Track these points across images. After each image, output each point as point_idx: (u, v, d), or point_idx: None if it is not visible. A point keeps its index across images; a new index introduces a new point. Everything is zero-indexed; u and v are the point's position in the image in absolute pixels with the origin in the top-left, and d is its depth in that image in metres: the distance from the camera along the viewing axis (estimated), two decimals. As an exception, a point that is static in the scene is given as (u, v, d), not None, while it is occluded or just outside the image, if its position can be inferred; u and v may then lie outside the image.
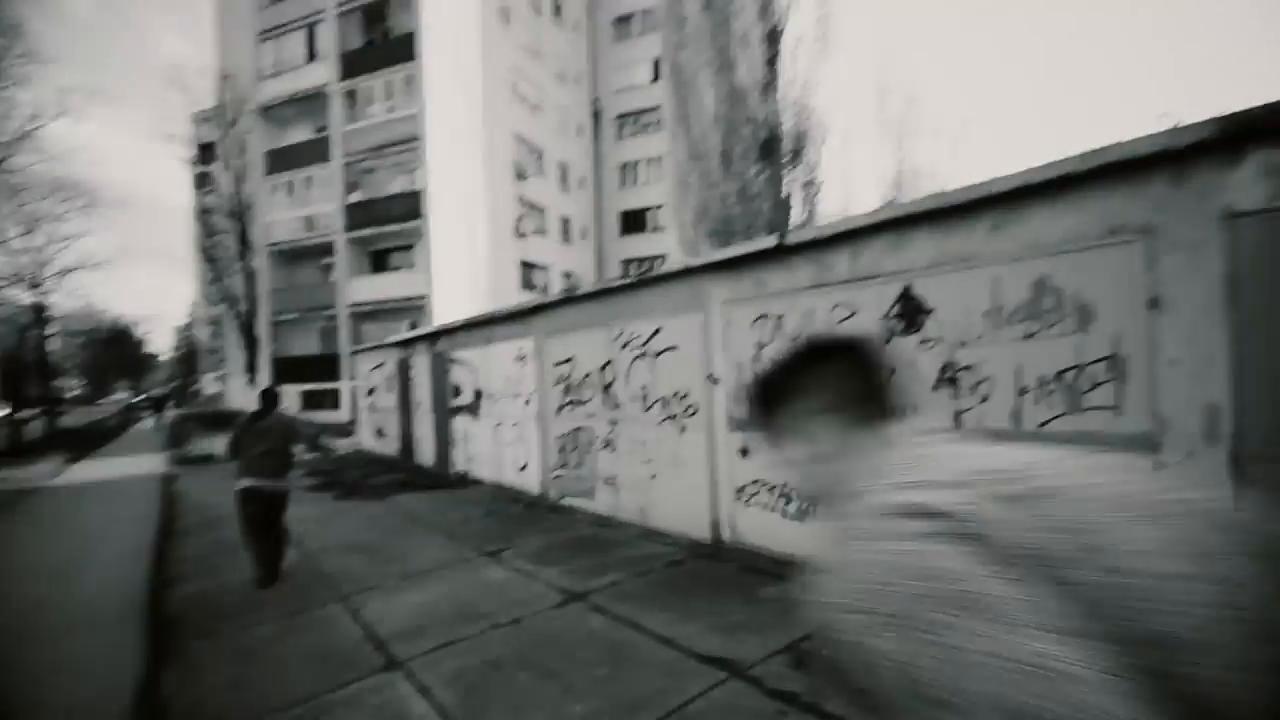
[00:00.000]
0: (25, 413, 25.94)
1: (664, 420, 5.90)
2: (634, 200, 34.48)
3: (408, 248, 24.23)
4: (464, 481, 9.72)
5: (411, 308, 22.94)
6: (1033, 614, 0.49)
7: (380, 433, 14.11)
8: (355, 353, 17.47)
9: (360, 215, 23.65)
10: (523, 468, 8.45)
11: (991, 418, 3.50)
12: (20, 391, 26.11)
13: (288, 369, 25.02)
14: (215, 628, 4.41)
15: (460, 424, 10.09)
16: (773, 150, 13.39)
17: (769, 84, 13.37)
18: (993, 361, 3.49)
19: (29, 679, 3.88)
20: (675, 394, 5.79)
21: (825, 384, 0.83)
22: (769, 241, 4.78)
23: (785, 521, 4.86)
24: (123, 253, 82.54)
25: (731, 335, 5.26)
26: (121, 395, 70.87)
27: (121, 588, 5.60)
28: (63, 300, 25.27)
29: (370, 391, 14.76)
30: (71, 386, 65.82)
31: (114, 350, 64.68)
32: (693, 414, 5.61)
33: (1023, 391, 3.37)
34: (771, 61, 13.57)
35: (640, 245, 33.94)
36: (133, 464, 16.34)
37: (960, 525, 0.56)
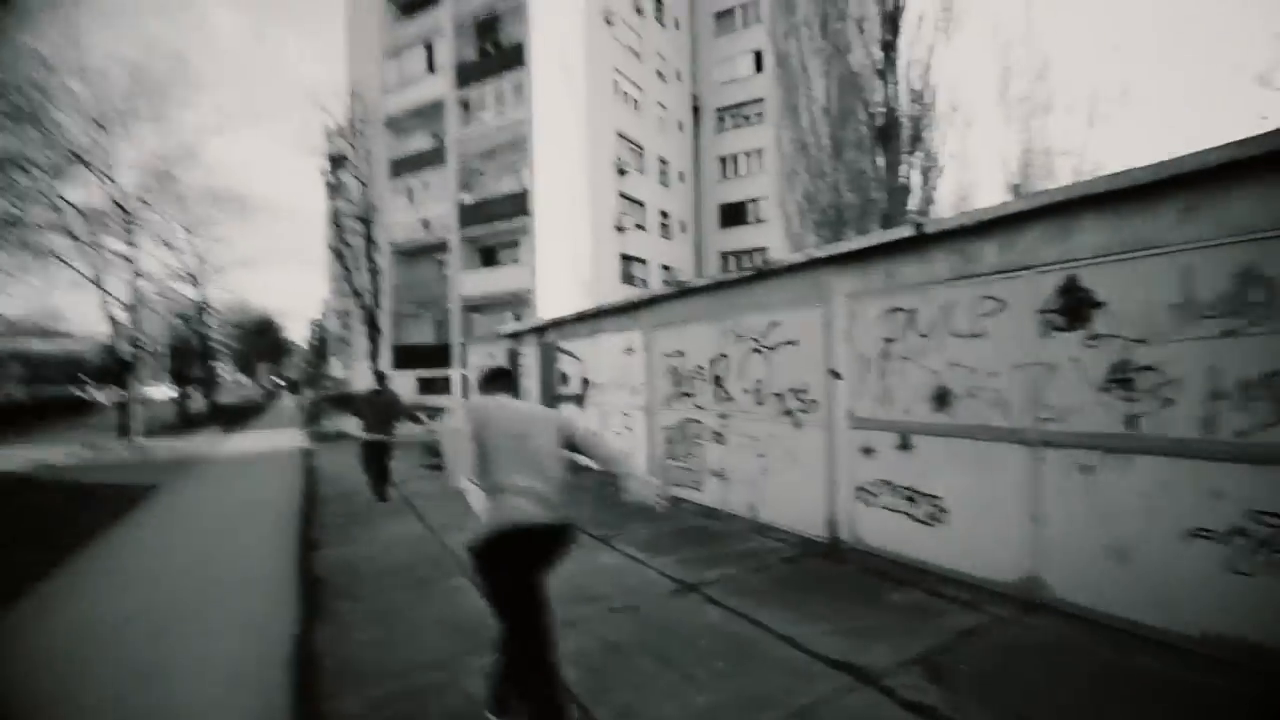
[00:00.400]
0: (190, 391, 29.58)
1: (779, 415, 5.76)
2: (734, 193, 34.07)
3: (514, 244, 25.30)
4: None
5: (517, 300, 23.94)
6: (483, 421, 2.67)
7: (490, 419, 14.80)
8: (465, 344, 18.45)
9: (471, 214, 24.94)
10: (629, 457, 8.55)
11: (1176, 425, 3.10)
12: (186, 374, 29.79)
13: (405, 357, 26.90)
14: (356, 590, 4.80)
15: (566, 411, 10.39)
16: (890, 136, 12.68)
17: (886, 67, 12.66)
18: (1180, 362, 3.08)
19: (204, 631, 4.38)
20: (792, 389, 5.63)
21: (493, 379, 3.09)
22: (904, 231, 4.51)
23: (913, 525, 4.59)
24: (268, 253, 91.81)
25: (856, 330, 5.03)
26: (265, 378, 79.16)
27: (276, 549, 6.22)
28: (219, 294, 28.49)
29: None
30: (225, 370, 74.31)
31: (259, 338, 72.30)
32: (811, 410, 5.43)
33: (1218, 396, 2.95)
34: (889, 45, 12.84)
35: (740, 238, 33.45)
36: (276, 437, 18.22)
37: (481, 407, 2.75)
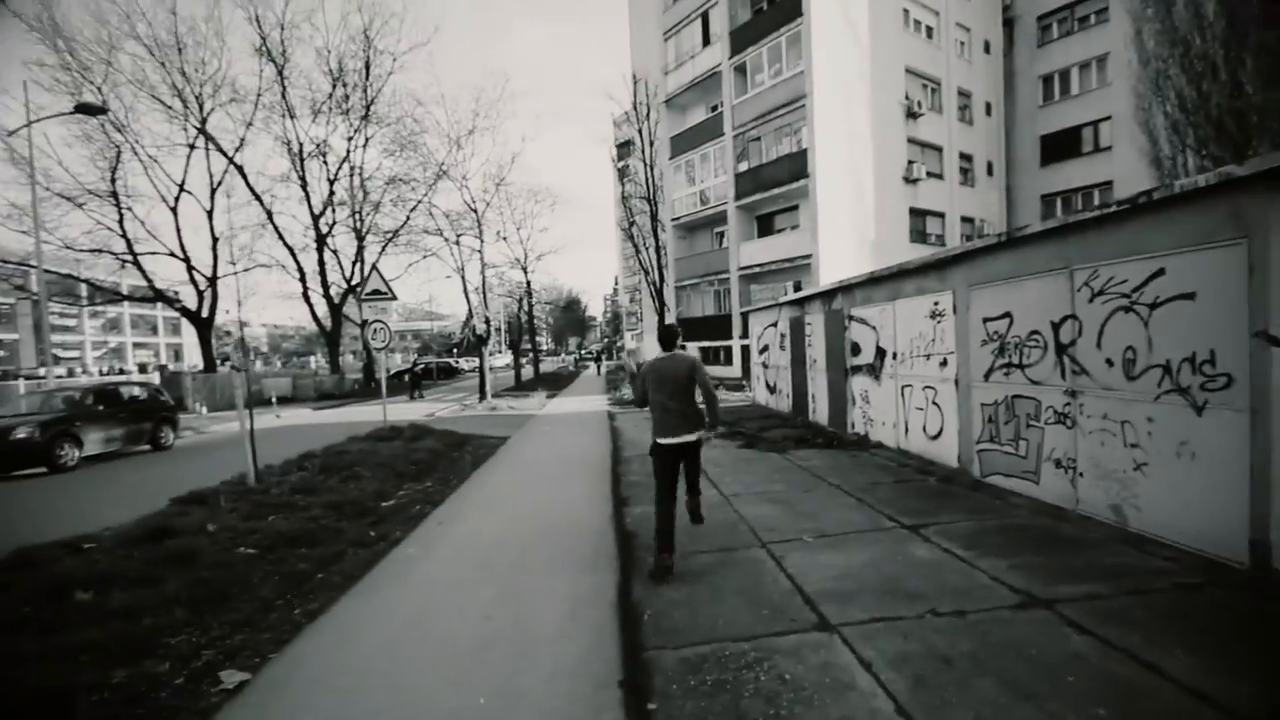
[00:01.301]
0: (521, 361, 35.92)
1: (1166, 394, 4.38)
2: (1061, 119, 27.74)
3: (793, 208, 24.56)
4: (863, 443, 9.33)
5: (796, 267, 23.29)
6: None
7: (772, 388, 14.73)
8: (746, 313, 18.59)
9: (748, 183, 24.89)
10: (935, 435, 7.58)
11: None
12: (518, 345, 36.24)
13: (689, 328, 28.43)
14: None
15: (859, 383, 9.67)
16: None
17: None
18: None
19: (550, 565, 5.07)
20: (1188, 359, 4.21)
21: (666, 340, 4.68)
22: None
23: None
24: (572, 237, 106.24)
25: (1316, 273, 3.48)
26: (572, 349, 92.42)
27: (597, 499, 7.02)
28: (539, 278, 33.82)
29: (763, 349, 15.50)
30: (544, 343, 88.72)
31: (568, 314, 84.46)
32: (1222, 387, 3.99)
33: None
34: None
35: (1070, 175, 27.26)
36: (585, 401, 20.95)
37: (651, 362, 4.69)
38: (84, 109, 14.78)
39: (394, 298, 11.67)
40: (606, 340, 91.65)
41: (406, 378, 28.25)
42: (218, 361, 32.07)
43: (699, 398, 4.51)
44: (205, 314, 29.80)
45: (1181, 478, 4.32)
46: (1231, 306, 3.91)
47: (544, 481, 8.24)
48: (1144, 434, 4.59)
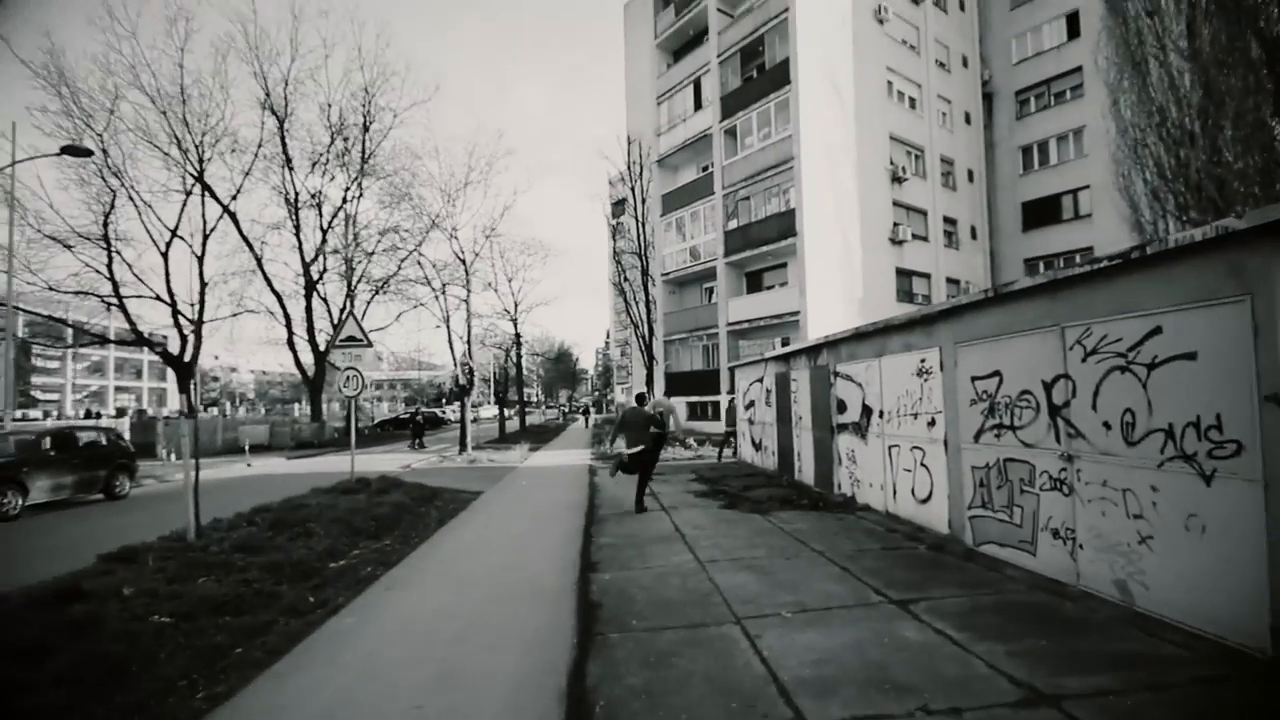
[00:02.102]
0: (507, 412, 35.33)
1: (1169, 460, 4.05)
2: (1041, 187, 28.57)
3: (781, 266, 24.77)
4: (849, 505, 8.89)
5: (784, 324, 23.24)
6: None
7: (758, 445, 14.32)
8: (734, 367, 18.35)
9: (737, 240, 25.17)
10: (925, 499, 7.18)
11: None
12: (504, 396, 35.73)
13: (676, 383, 28.15)
14: (627, 622, 4.60)
15: (845, 442, 9.31)
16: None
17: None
18: None
19: (494, 642, 4.57)
20: (1192, 423, 3.91)
21: (638, 398, 9.90)
22: None
23: None
24: (565, 290, 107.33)
25: (1325, 332, 3.24)
26: (562, 402, 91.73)
27: (562, 564, 6.51)
28: (528, 329, 33.72)
29: (749, 405, 15.17)
30: (532, 394, 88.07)
31: (559, 366, 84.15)
32: (1231, 455, 3.68)
33: None
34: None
35: (1052, 240, 27.83)
36: (568, 455, 20.37)
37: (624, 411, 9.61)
38: (70, 151, 14.78)
39: (369, 344, 11.34)
40: (597, 393, 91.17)
41: (410, 427, 27.57)
42: (198, 408, 31.35)
43: (652, 431, 9.29)
44: (188, 359, 29.37)
45: (1191, 553, 3.95)
46: (1236, 367, 3.64)
47: (510, 541, 7.71)
48: (1148, 504, 4.24)
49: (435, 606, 5.21)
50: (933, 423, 6.94)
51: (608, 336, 79.60)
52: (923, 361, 7.10)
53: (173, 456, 21.69)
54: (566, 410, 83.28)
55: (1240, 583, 3.65)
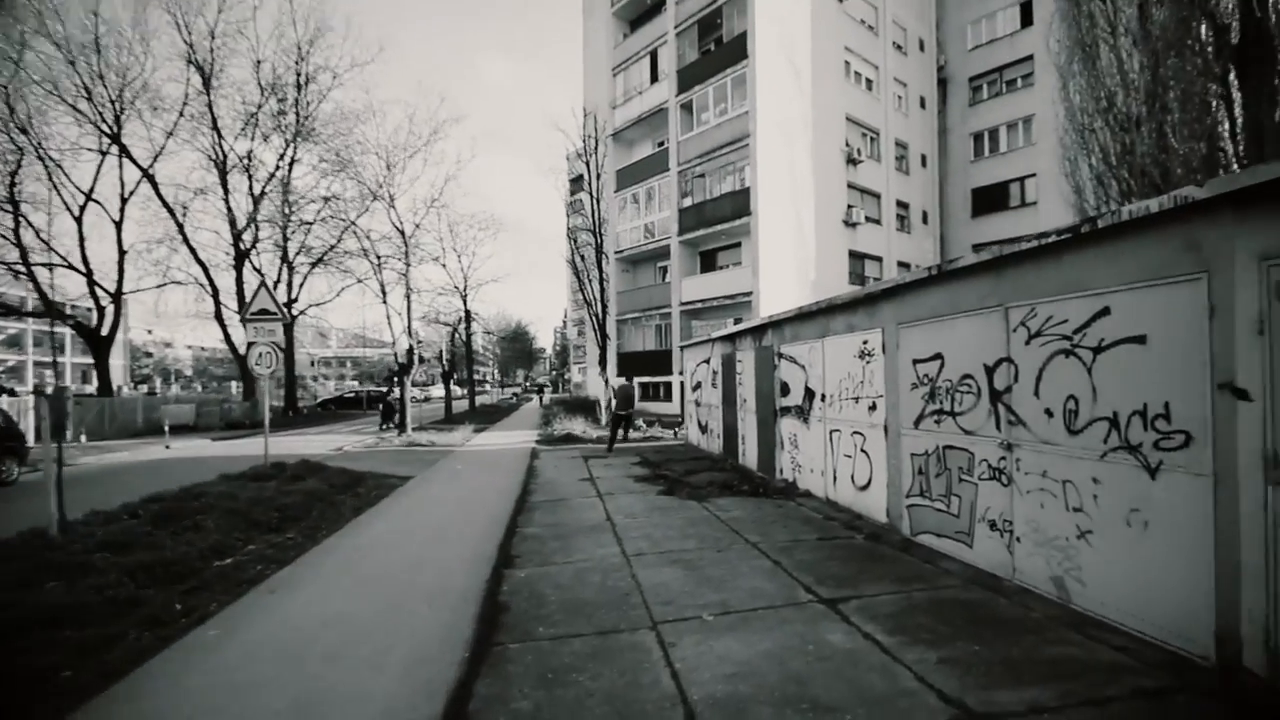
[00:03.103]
0: (456, 391, 34.26)
1: (1113, 451, 3.78)
2: (991, 174, 28.96)
3: (735, 246, 24.43)
4: (790, 491, 8.61)
5: (737, 304, 22.98)
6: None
7: (704, 428, 14.01)
8: (683, 347, 17.97)
9: (691, 218, 24.67)
10: (864, 486, 6.91)
11: None
12: (450, 375, 34.59)
13: (629, 363, 27.67)
14: (532, 630, 4.13)
15: (787, 426, 9.01)
16: (1255, 57, 8.90)
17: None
18: None
19: (375, 657, 4.03)
20: (1138, 411, 3.63)
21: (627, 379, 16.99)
22: None
23: None
24: (526, 269, 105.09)
25: (1283, 314, 2.95)
26: (517, 382, 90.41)
27: (475, 560, 5.97)
28: (482, 307, 32.61)
29: (696, 386, 14.82)
30: (487, 373, 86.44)
31: (515, 345, 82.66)
32: (1178, 446, 3.40)
33: None
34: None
35: (1000, 226, 28.27)
36: (515, 436, 19.74)
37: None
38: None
39: (283, 318, 10.41)
40: (555, 373, 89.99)
41: (380, 407, 25.59)
42: (127, 385, 29.34)
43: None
44: (106, 332, 27.28)
45: (1132, 550, 3.69)
46: (1189, 353, 3.34)
47: (428, 534, 7.11)
48: (1088, 496, 3.97)
49: (321, 613, 4.61)
50: (874, 407, 6.65)
51: (565, 316, 78.42)
52: (865, 343, 6.78)
53: (83, 438, 20.10)
54: (522, 389, 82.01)
55: (1183, 583, 3.40)
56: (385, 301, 20.40)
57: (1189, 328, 3.34)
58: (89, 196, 26.51)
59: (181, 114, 27.05)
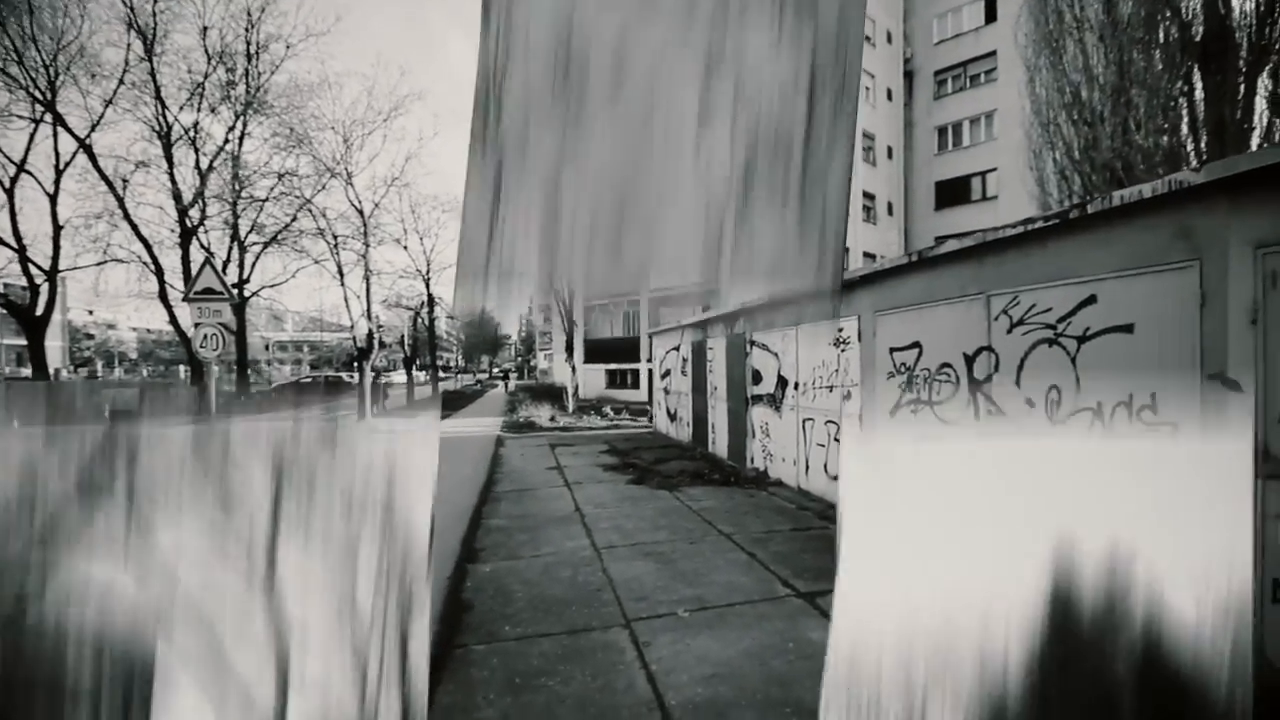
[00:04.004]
0: (419, 377, 33.48)
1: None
2: (954, 167, 29.44)
3: (704, 233, 24.33)
4: (761, 480, 8.52)
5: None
6: None
7: (673, 416, 13.87)
8: (653, 334, 17.81)
9: (662, 204, 24.43)
10: (837, 476, 6.84)
11: None
12: (415, 361, 33.76)
13: (596, 350, 27.42)
14: (498, 630, 3.89)
15: (759, 415, 8.91)
16: (1217, 51, 9.10)
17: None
18: None
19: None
20: (1124, 402, 3.57)
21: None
22: None
23: None
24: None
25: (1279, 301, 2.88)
26: (483, 368, 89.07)
27: (439, 553, 5.68)
28: (445, 291, 31.71)
29: (665, 374, 14.67)
30: (451, 359, 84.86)
31: (480, 331, 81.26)
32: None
33: None
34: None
35: (962, 219, 28.77)
36: (480, 423, 19.32)
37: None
38: None
39: (230, 298, 9.80)
40: (520, 359, 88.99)
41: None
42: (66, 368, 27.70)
43: None
44: (41, 312, 25.65)
45: (1113, 542, 3.64)
46: (1178, 342, 3.28)
47: (387, 526, 6.77)
48: (1069, 488, 3.91)
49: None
50: (848, 396, 6.57)
51: (531, 301, 77.34)
52: (840, 331, 6.68)
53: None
54: (486, 376, 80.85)
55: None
56: (343, 284, 19.62)
57: (1179, 317, 3.27)
58: (20, 168, 24.75)
59: (122, 81, 25.35)
